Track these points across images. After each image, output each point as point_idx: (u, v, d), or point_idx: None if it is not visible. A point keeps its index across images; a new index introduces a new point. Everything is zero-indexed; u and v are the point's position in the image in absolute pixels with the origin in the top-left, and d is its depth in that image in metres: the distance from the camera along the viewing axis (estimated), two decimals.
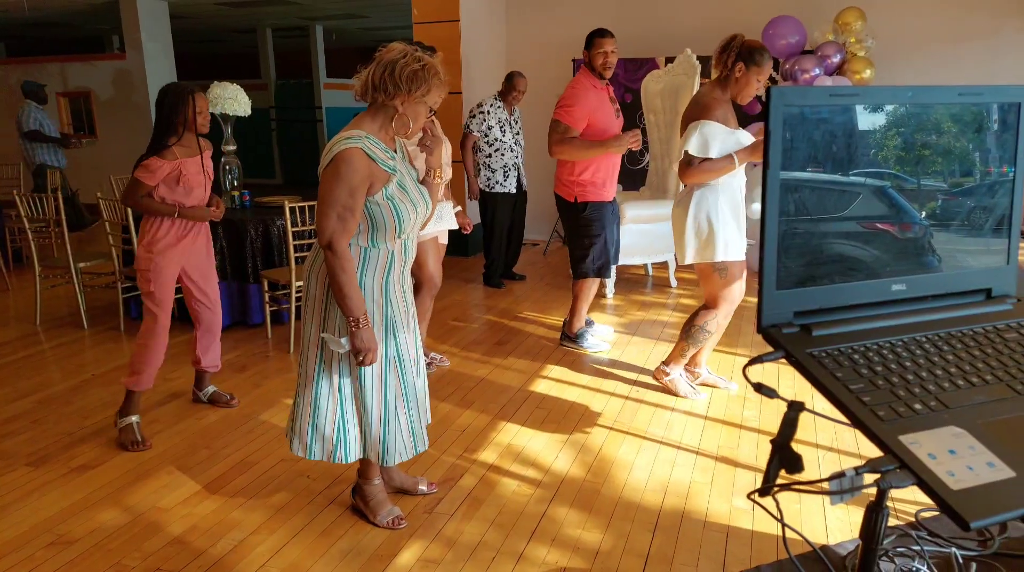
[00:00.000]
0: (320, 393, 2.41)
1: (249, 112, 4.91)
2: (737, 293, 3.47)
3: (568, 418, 3.49)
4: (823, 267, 0.95)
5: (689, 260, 3.45)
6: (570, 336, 4.49)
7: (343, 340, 2.29)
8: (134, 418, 3.30)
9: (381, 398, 2.42)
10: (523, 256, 6.93)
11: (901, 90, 0.94)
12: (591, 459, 3.10)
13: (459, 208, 4.14)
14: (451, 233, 4.11)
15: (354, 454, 2.48)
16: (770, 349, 0.92)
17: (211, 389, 3.73)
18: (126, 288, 4.87)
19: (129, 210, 4.46)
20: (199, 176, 3.35)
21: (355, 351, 2.28)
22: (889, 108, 0.95)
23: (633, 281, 6.06)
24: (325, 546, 2.49)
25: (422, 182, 2.44)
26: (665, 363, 3.74)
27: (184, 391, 3.81)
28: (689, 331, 3.55)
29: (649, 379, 3.93)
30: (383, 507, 2.62)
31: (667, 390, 3.75)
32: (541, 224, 7.47)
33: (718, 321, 3.50)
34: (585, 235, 4.23)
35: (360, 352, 2.27)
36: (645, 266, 6.29)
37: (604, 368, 4.14)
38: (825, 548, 1.14)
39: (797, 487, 0.83)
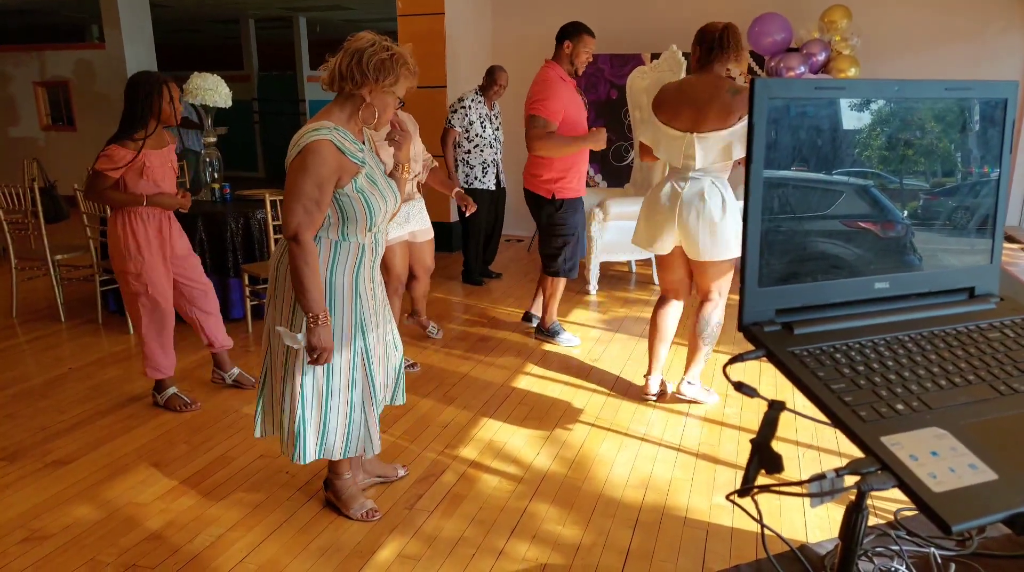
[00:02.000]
0: (287, 391, 2.37)
1: (229, 103, 4.84)
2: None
3: (550, 414, 3.48)
4: (806, 265, 0.94)
5: (729, 255, 3.23)
6: (544, 329, 4.48)
7: (299, 335, 2.24)
8: (171, 389, 3.51)
9: (348, 397, 2.39)
10: (507, 252, 6.93)
11: (888, 83, 0.93)
12: (572, 455, 3.09)
13: (459, 189, 4.11)
14: (438, 225, 4.08)
15: (311, 455, 2.41)
16: (751, 347, 0.91)
17: (236, 371, 3.75)
18: (104, 281, 4.80)
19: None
20: (163, 169, 3.25)
21: (310, 348, 2.22)
22: (873, 106, 0.94)
23: (617, 278, 6.06)
24: (303, 543, 2.47)
25: (390, 175, 2.41)
26: (687, 373, 3.56)
27: None
28: (704, 332, 3.40)
29: (631, 377, 3.93)
30: (355, 500, 2.61)
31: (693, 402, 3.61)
32: (525, 220, 7.43)
33: (722, 310, 3.41)
34: (559, 234, 4.19)
35: (315, 350, 2.22)
36: (629, 263, 6.29)
37: (586, 365, 4.13)
38: (804, 548, 1.13)
39: (777, 489, 0.82)
